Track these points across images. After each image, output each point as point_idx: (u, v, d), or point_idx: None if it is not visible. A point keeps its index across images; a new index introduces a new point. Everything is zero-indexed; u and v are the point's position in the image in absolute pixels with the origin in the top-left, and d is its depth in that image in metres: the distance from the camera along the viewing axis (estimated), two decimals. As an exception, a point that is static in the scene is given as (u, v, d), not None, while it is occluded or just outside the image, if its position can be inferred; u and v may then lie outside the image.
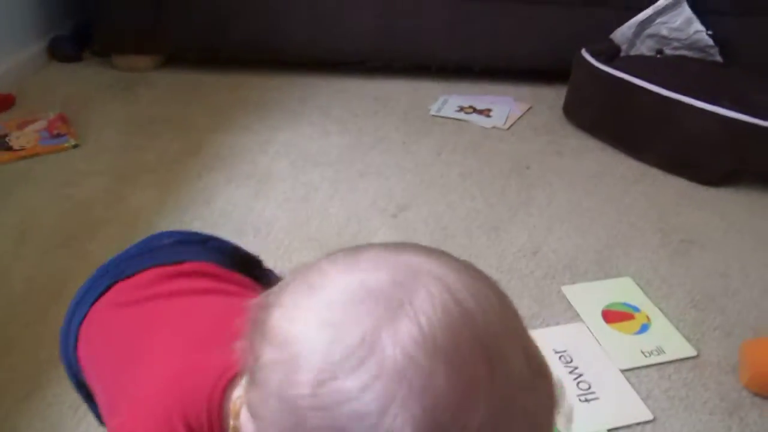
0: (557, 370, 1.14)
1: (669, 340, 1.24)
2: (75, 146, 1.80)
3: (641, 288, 1.37)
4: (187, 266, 0.76)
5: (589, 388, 1.13)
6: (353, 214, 1.57)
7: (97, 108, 2.01)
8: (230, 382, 0.57)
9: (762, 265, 1.46)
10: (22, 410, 1.06)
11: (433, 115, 2.02)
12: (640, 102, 1.81)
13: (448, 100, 2.10)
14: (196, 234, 0.86)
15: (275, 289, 0.48)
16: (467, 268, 0.47)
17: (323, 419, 0.41)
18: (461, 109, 2.05)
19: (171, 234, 0.84)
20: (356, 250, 0.48)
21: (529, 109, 2.07)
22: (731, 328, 1.28)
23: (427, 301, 0.43)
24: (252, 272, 0.82)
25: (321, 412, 0.41)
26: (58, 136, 1.83)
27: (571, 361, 1.19)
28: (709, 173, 1.75)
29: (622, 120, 1.88)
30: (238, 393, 0.53)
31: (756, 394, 1.14)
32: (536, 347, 0.47)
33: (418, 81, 2.21)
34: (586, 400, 1.11)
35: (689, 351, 1.22)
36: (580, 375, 1.16)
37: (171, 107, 2.04)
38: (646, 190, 1.71)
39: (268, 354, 0.44)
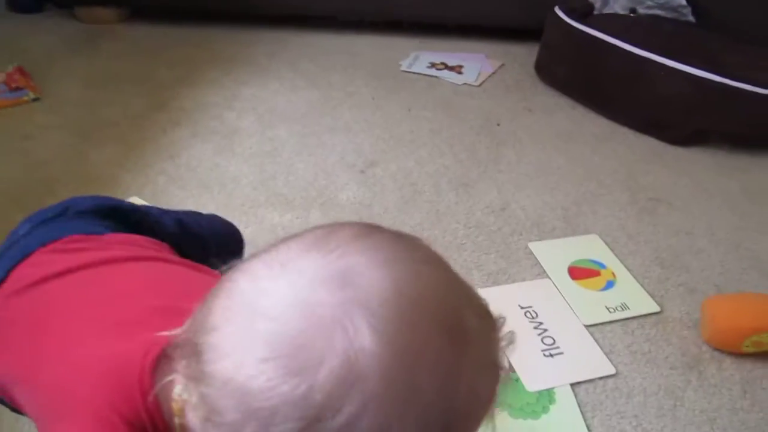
0: (522, 325, 1.16)
1: (633, 297, 1.25)
2: (35, 100, 1.75)
3: (608, 245, 1.37)
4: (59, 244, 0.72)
5: (554, 343, 1.14)
6: (321, 169, 1.55)
7: (58, 62, 1.95)
8: (154, 367, 0.55)
9: (727, 224, 1.47)
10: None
11: (404, 71, 1.99)
12: (612, 61, 1.80)
13: (420, 56, 2.07)
14: (52, 208, 0.80)
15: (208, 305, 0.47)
16: (400, 251, 0.48)
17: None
18: (432, 65, 2.02)
19: (29, 220, 0.79)
20: (284, 258, 0.47)
21: (501, 66, 2.05)
22: (695, 285, 1.29)
23: (365, 319, 0.43)
24: (128, 219, 0.81)
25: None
26: (17, 89, 1.77)
27: (536, 316, 1.19)
28: (679, 133, 1.75)
29: (593, 78, 1.86)
30: (177, 390, 0.50)
31: (716, 350, 1.15)
32: (481, 298, 0.51)
33: (389, 37, 2.18)
34: (550, 355, 1.12)
35: (653, 307, 1.23)
36: (545, 330, 1.16)
37: (135, 61, 1.99)
38: (616, 148, 1.71)
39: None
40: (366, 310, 0.43)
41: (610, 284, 1.28)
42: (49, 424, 0.58)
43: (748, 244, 1.40)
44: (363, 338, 0.42)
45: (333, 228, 0.49)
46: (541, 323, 1.18)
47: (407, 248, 0.49)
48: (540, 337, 1.15)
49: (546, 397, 1.05)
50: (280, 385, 0.42)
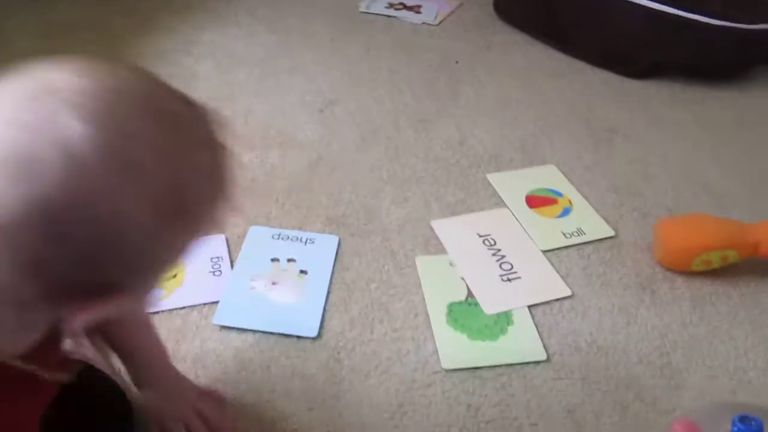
0: (480, 252, 1.18)
1: (589, 223, 1.28)
2: (-15, 51, 1.71)
3: (565, 175, 1.40)
4: None
5: (512, 268, 1.17)
6: (279, 110, 1.54)
7: (8, 14, 1.90)
8: None
9: (681, 152, 1.50)
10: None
11: (362, 12, 1.97)
12: (568, -4, 1.81)
13: (378, -3, 2.05)
14: None
15: None
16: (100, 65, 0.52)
17: None
18: (391, 5, 2.00)
19: None
20: None
21: (459, 5, 2.04)
22: (648, 210, 1.32)
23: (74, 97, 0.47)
24: None
25: None
26: (-34, 41, 1.73)
27: (495, 243, 1.21)
28: (635, 67, 1.76)
29: (550, 15, 1.86)
30: None
31: (667, 269, 1.19)
32: (184, 93, 0.55)
33: (347, -21, 2.15)
34: (509, 280, 1.15)
35: (608, 231, 1.26)
36: (503, 257, 1.19)
37: (88, 11, 1.94)
38: (573, 83, 1.73)
39: None
40: (71, 107, 0.46)
41: (566, 211, 1.30)
42: None
43: (700, 171, 1.44)
44: (75, 129, 0.45)
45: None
46: (499, 250, 1.20)
47: (108, 64, 0.53)
48: (498, 263, 1.17)
49: (504, 319, 1.08)
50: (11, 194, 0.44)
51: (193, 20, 1.91)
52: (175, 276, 1.11)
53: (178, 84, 1.68)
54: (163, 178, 0.49)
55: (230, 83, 1.64)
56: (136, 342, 0.82)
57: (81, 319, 0.50)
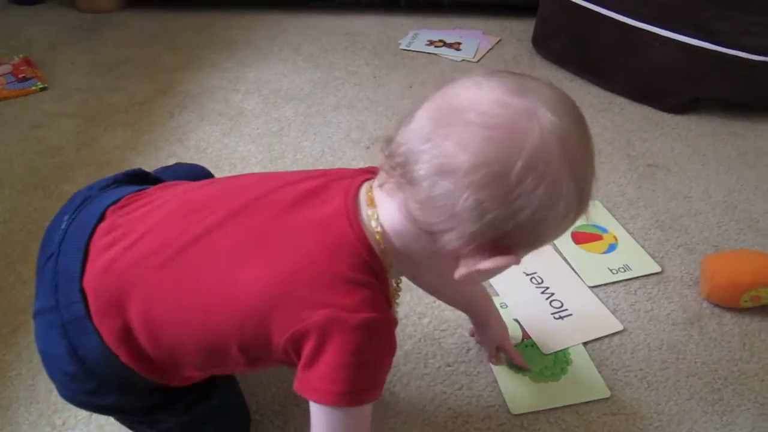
0: (530, 291, 1.20)
1: (635, 258, 1.29)
2: (43, 89, 1.78)
3: (609, 210, 1.42)
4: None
5: (562, 305, 1.18)
6: (327, 146, 1.59)
7: (62, 50, 1.98)
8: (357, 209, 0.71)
9: (723, 187, 1.51)
10: (10, 344, 1.09)
11: (403, 50, 2.02)
12: (606, 32, 1.84)
13: (418, 34, 2.10)
14: (88, 188, 0.85)
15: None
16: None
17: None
18: (431, 43, 2.05)
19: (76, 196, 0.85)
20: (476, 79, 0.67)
21: (498, 42, 2.08)
22: (694, 246, 1.34)
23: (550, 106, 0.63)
24: (147, 180, 0.90)
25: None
26: (25, 79, 1.81)
27: (542, 281, 1.23)
28: (674, 101, 1.79)
29: (588, 50, 1.90)
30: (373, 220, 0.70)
31: (715, 305, 1.20)
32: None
33: (387, 16, 2.21)
34: (561, 317, 1.16)
35: (654, 267, 1.28)
36: (552, 294, 1.21)
37: (138, 48, 2.02)
38: (614, 118, 1.75)
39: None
40: (545, 102, 0.62)
41: (612, 247, 1.32)
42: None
43: (744, 206, 1.45)
44: (546, 117, 0.61)
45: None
46: (547, 288, 1.22)
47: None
48: (548, 301, 1.19)
49: (563, 358, 1.09)
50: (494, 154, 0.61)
51: (238, 57, 1.98)
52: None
53: (228, 120, 1.76)
54: (585, 171, 0.65)
55: (278, 120, 1.68)
56: (478, 291, 1.06)
57: (479, 266, 0.66)
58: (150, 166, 1.49)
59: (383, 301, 0.70)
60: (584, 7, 1.85)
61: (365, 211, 0.70)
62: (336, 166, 1.50)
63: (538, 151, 0.60)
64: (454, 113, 0.63)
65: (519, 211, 0.61)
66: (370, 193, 0.71)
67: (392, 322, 0.71)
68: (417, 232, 0.67)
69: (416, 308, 1.18)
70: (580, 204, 0.65)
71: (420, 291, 1.20)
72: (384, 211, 0.69)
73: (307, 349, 0.66)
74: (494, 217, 0.62)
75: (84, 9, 2.22)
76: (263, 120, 1.68)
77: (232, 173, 1.49)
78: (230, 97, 1.79)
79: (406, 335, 1.13)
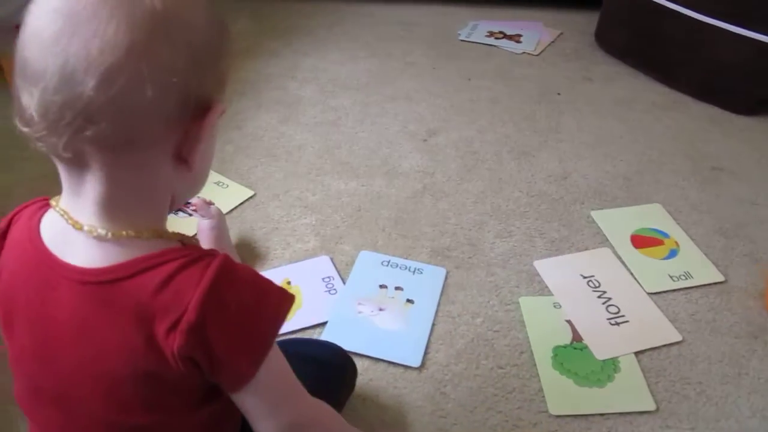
0: (585, 294, 1.18)
1: (697, 266, 1.26)
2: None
3: (670, 214, 1.38)
4: None
5: (619, 311, 1.16)
6: (384, 138, 1.58)
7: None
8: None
9: (792, 193, 1.46)
10: None
11: (462, 41, 2.00)
12: (673, 27, 1.78)
13: (478, 25, 2.07)
14: None
15: None
16: None
17: None
18: (491, 34, 2.02)
19: None
20: None
21: (559, 35, 2.04)
22: (760, 255, 1.29)
23: None
24: None
25: None
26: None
27: (599, 285, 1.21)
28: (741, 101, 1.72)
29: (654, 45, 1.85)
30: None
31: (782, 319, 1.16)
32: None
33: (446, 6, 2.18)
34: (616, 324, 1.14)
35: (717, 276, 1.24)
36: (609, 299, 1.18)
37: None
38: (677, 117, 1.70)
39: None
40: None
41: (673, 253, 1.29)
42: None
43: (814, 215, 1.40)
44: None
45: None
46: (604, 292, 1.19)
47: None
48: (604, 306, 1.17)
49: (611, 365, 1.07)
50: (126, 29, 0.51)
51: (296, 45, 1.98)
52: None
53: (286, 108, 1.75)
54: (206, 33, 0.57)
55: (335, 109, 1.68)
56: None
57: (201, 132, 0.57)
58: (207, 152, 1.51)
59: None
60: (651, 1, 1.80)
61: None
62: (392, 158, 1.50)
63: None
64: None
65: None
66: None
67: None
68: None
69: (469, 307, 1.17)
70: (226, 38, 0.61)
71: (474, 290, 1.19)
72: None
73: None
74: None
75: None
76: (320, 109, 1.68)
77: (289, 162, 1.49)
78: (288, 84, 1.79)
79: (458, 335, 1.12)
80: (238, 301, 0.59)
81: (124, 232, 0.57)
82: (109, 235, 0.57)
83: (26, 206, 0.64)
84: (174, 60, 0.53)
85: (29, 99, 0.52)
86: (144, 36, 0.51)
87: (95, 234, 0.57)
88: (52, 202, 0.61)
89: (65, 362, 0.60)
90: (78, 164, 0.56)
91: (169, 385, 0.60)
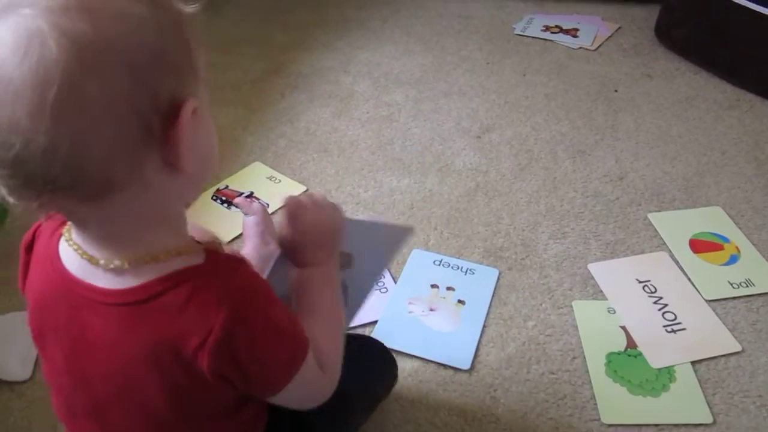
0: (641, 299, 1.15)
1: (759, 273, 1.21)
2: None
3: (732, 218, 1.33)
4: None
5: (675, 318, 1.13)
6: (437, 134, 1.56)
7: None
8: None
9: None
10: None
11: (517, 35, 1.96)
12: (739, 22, 1.71)
13: (534, 19, 2.03)
14: None
15: None
16: None
17: None
18: (547, 28, 1.98)
19: None
20: None
21: (618, 29, 1.99)
22: (825, 263, 1.24)
23: None
24: None
25: None
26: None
27: (656, 291, 1.18)
28: (810, 100, 1.66)
29: (717, 41, 1.78)
30: None
31: None
32: None
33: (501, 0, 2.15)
34: (673, 331, 1.11)
35: (780, 284, 1.20)
36: (665, 305, 1.15)
37: (252, 25, 2.05)
38: (741, 116, 1.64)
39: None
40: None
41: (733, 259, 1.25)
42: None
43: None
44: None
45: None
46: (660, 298, 1.17)
47: None
48: (661, 313, 1.14)
49: (666, 374, 1.04)
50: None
51: (349, 38, 1.97)
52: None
53: (339, 102, 1.76)
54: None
55: (388, 104, 1.67)
56: None
57: (178, 134, 0.52)
58: (260, 146, 1.53)
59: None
60: (715, -5, 1.74)
61: None
62: (445, 155, 1.49)
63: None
64: None
65: None
66: None
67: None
68: None
69: (521, 310, 1.15)
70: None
71: (526, 292, 1.18)
72: None
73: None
74: None
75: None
76: (373, 104, 1.68)
77: (341, 158, 1.49)
78: (341, 78, 1.79)
79: (510, 338, 1.11)
80: (265, 315, 0.59)
81: (140, 259, 0.56)
82: (126, 265, 0.56)
83: (47, 219, 0.63)
84: (112, 90, 0.48)
85: None
86: (66, 85, 0.45)
87: (112, 266, 0.56)
88: (65, 234, 0.59)
89: (98, 380, 0.61)
90: (72, 218, 0.56)
91: (202, 398, 0.61)
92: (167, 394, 0.60)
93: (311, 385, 0.66)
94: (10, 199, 0.50)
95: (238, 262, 0.61)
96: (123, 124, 0.48)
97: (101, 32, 0.47)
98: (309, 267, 0.72)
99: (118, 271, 0.56)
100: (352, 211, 1.35)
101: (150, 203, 0.55)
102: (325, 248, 0.74)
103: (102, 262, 0.56)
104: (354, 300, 0.83)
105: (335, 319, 0.74)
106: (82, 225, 0.56)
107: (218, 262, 0.60)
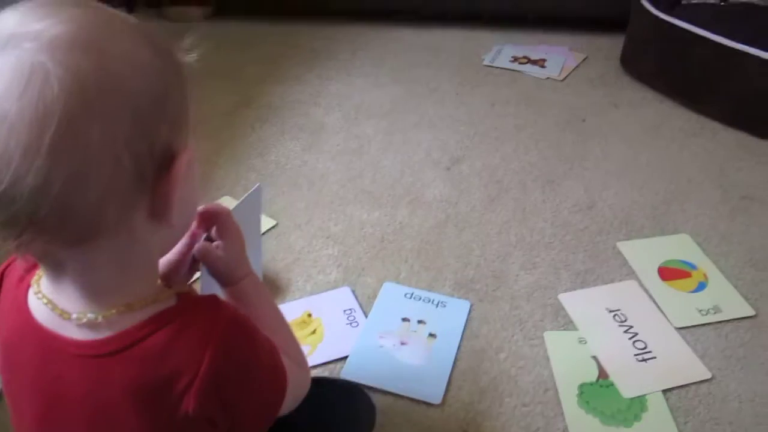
0: (612, 329, 1.16)
1: (726, 299, 1.23)
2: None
3: (699, 245, 1.35)
4: None
5: (646, 347, 1.13)
6: (407, 166, 1.57)
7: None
8: None
9: (825, 223, 1.42)
10: None
11: (486, 65, 1.99)
12: (702, 53, 1.75)
13: (502, 50, 2.06)
14: None
15: None
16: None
17: None
18: (515, 59, 2.01)
19: None
20: None
21: (584, 59, 2.02)
22: (792, 288, 1.26)
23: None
24: None
25: None
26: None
27: (626, 320, 1.18)
28: (772, 127, 1.69)
29: (681, 71, 1.82)
30: None
31: (816, 356, 1.13)
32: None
33: (471, 30, 2.18)
34: (643, 360, 1.11)
35: (747, 310, 1.20)
36: (636, 334, 1.16)
37: (222, 58, 2.05)
38: (706, 144, 1.67)
39: None
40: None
41: (701, 286, 1.26)
42: None
43: None
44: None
45: None
46: (631, 327, 1.17)
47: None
48: (631, 341, 1.14)
49: (638, 404, 1.04)
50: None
51: (320, 70, 1.98)
52: (314, 332, 1.15)
53: (309, 135, 1.75)
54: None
55: (359, 136, 1.68)
56: None
57: (170, 186, 0.52)
58: (231, 180, 1.52)
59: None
60: (678, 26, 1.77)
61: None
62: (416, 187, 1.49)
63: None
64: None
65: None
66: None
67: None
68: None
69: (493, 342, 1.15)
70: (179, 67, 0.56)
71: (498, 324, 1.18)
72: None
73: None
74: None
75: (173, 18, 2.27)
76: (343, 136, 1.68)
77: (311, 191, 1.49)
78: (311, 111, 1.79)
79: (482, 371, 1.10)
80: (251, 352, 0.59)
81: (114, 311, 0.55)
82: (100, 318, 0.55)
83: (14, 260, 0.61)
84: (112, 133, 0.47)
85: None
86: (65, 123, 0.44)
87: (85, 320, 0.55)
88: (33, 286, 0.57)
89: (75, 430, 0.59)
90: (49, 262, 0.54)
91: None
92: None
93: (296, 390, 0.67)
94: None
95: (216, 299, 0.60)
96: (119, 168, 0.48)
97: (106, 72, 0.46)
98: (238, 281, 0.72)
99: (91, 324, 0.55)
100: (323, 246, 1.34)
101: (132, 253, 0.54)
102: (244, 252, 0.74)
103: (74, 316, 0.55)
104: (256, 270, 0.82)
105: (281, 318, 0.75)
106: (58, 271, 0.54)
107: (196, 302, 0.59)
